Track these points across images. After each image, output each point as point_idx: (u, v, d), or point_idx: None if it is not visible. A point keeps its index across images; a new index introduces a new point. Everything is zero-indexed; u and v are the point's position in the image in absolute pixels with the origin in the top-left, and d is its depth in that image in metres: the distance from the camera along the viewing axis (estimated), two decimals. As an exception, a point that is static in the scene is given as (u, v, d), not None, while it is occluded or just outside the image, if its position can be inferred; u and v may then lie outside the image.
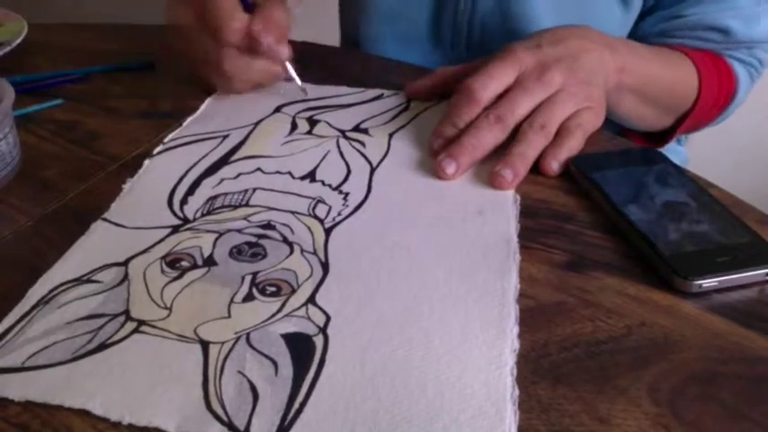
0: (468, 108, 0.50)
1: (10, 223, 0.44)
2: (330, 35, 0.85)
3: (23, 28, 0.67)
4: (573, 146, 0.49)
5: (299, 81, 0.58)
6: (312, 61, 0.65)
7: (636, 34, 0.68)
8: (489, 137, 0.49)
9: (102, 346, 0.34)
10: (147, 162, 0.50)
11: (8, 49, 0.64)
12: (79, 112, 0.58)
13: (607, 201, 0.44)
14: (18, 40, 0.65)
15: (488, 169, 0.48)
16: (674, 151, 0.78)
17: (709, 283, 0.38)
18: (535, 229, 0.44)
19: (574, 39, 0.53)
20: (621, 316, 0.37)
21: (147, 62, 0.66)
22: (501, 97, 0.50)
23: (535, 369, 0.34)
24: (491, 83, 0.50)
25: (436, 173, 0.48)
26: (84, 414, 0.32)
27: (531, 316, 0.37)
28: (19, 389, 0.32)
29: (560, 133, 0.49)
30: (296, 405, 0.31)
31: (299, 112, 0.56)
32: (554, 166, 0.49)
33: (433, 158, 0.49)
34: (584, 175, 0.47)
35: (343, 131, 0.54)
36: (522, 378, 0.34)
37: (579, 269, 0.41)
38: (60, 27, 0.75)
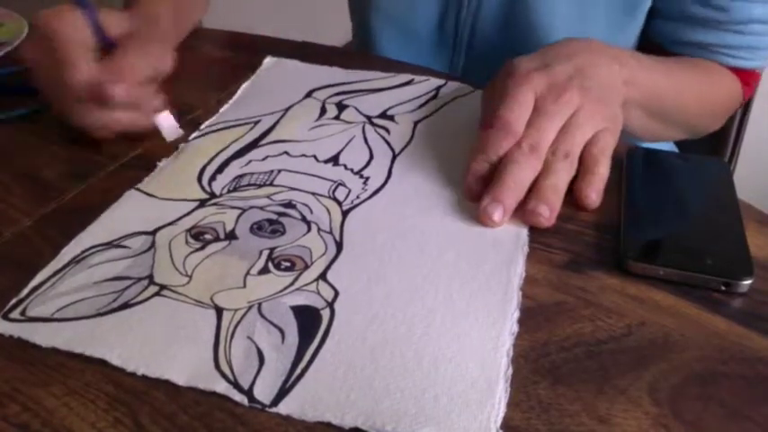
0: (506, 142, 0.46)
1: (10, 223, 0.44)
2: (330, 35, 0.85)
3: (23, 28, 0.67)
4: (604, 172, 0.47)
5: (173, 133, 0.53)
6: (312, 61, 0.65)
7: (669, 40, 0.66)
8: (529, 171, 0.45)
9: (125, 306, 0.37)
10: (182, 145, 0.52)
11: (8, 48, 0.64)
12: (79, 112, 0.58)
13: (628, 183, 0.45)
14: (18, 41, 0.65)
15: None
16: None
17: (652, 268, 0.39)
18: (535, 229, 0.44)
19: (581, 54, 0.51)
20: (621, 316, 0.37)
21: None
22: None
23: (535, 369, 0.34)
24: (522, 113, 0.47)
25: (481, 221, 0.44)
26: (84, 414, 0.32)
27: (531, 316, 0.37)
28: (46, 337, 0.35)
29: (587, 162, 0.47)
30: (298, 371, 0.33)
31: (329, 97, 0.58)
32: (593, 197, 0.46)
33: (471, 199, 0.46)
34: (630, 162, 0.48)
35: (369, 117, 0.55)
36: (522, 378, 0.34)
37: (579, 269, 0.41)
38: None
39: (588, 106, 0.48)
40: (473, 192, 0.46)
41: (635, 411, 0.32)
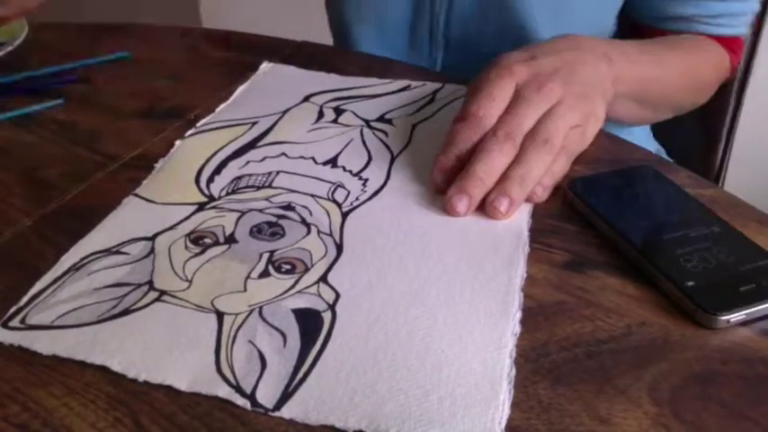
0: (475, 135, 0.46)
1: (10, 223, 0.44)
2: (330, 35, 0.85)
3: (23, 28, 0.67)
4: (559, 170, 0.47)
5: None
6: (312, 61, 0.65)
7: (658, 17, 0.67)
8: (501, 158, 0.45)
9: (126, 312, 0.37)
10: (178, 143, 0.52)
11: (8, 49, 0.64)
12: (79, 112, 0.58)
13: (613, 229, 0.42)
14: (18, 41, 0.65)
15: None
16: (647, 141, 0.77)
17: (737, 317, 0.36)
18: (535, 229, 0.44)
19: (569, 51, 0.51)
20: (621, 316, 0.37)
21: (124, 55, 0.68)
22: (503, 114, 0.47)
23: (535, 369, 0.34)
24: (493, 106, 0.46)
25: (446, 210, 0.44)
26: (84, 414, 0.32)
27: (531, 316, 0.37)
28: (47, 344, 0.35)
29: None
30: (300, 375, 0.33)
31: (326, 102, 0.58)
32: (539, 191, 0.45)
33: (438, 192, 0.46)
34: (584, 201, 0.44)
35: (367, 121, 0.55)
36: (522, 378, 0.34)
37: (579, 269, 0.41)
38: (60, 27, 0.75)
39: (569, 100, 0.47)
40: (437, 185, 0.46)
41: (635, 411, 0.32)
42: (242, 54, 0.67)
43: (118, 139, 0.53)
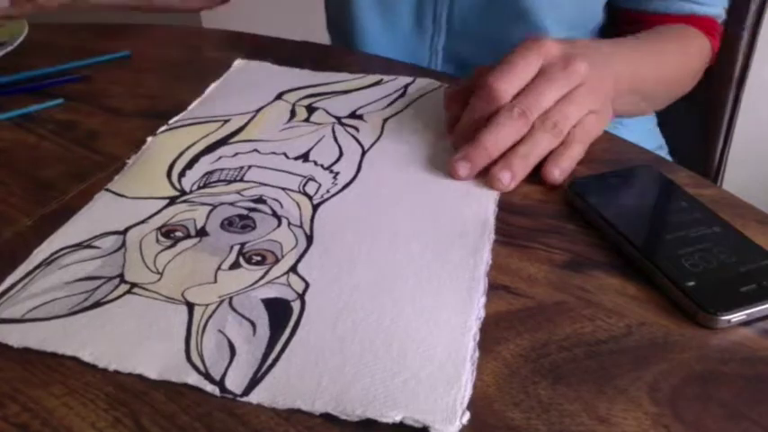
0: (487, 107, 0.48)
1: (10, 223, 0.44)
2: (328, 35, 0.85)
3: (23, 28, 0.67)
4: (576, 155, 0.48)
5: None
6: (312, 61, 0.65)
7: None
8: (510, 133, 0.46)
9: (97, 305, 0.37)
10: (150, 139, 0.52)
11: (8, 48, 0.64)
12: (79, 112, 0.58)
13: (613, 229, 0.42)
14: (18, 41, 0.65)
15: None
16: (650, 136, 0.79)
17: (737, 317, 0.36)
18: (535, 229, 0.44)
19: (591, 44, 0.53)
20: (621, 316, 0.37)
21: (125, 55, 0.68)
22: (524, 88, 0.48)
23: (535, 369, 0.34)
24: (514, 79, 0.48)
25: (449, 173, 0.47)
26: (84, 414, 0.32)
27: (531, 316, 0.37)
28: (18, 338, 0.35)
29: (567, 139, 0.48)
30: (269, 361, 0.34)
31: (299, 100, 0.58)
32: (556, 174, 0.47)
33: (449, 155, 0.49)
34: (584, 201, 0.45)
35: (338, 118, 0.55)
36: (522, 378, 0.34)
37: (579, 269, 0.41)
38: (60, 27, 0.75)
39: (591, 83, 0.49)
40: (454, 146, 0.49)
41: (635, 411, 0.32)
42: (242, 54, 0.67)
43: (118, 139, 0.53)
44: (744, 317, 0.36)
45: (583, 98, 0.48)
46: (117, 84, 0.63)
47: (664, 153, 0.78)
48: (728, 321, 0.36)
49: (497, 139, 0.46)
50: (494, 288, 0.39)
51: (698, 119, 0.83)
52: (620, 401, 0.33)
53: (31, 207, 0.46)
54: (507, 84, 0.47)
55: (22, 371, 0.34)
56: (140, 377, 0.34)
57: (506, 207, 0.46)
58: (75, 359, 0.34)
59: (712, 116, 0.83)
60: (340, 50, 0.77)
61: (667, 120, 0.80)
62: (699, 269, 0.39)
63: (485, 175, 0.47)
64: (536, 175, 0.49)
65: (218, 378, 0.33)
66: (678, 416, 0.32)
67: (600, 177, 0.47)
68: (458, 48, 0.72)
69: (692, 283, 0.38)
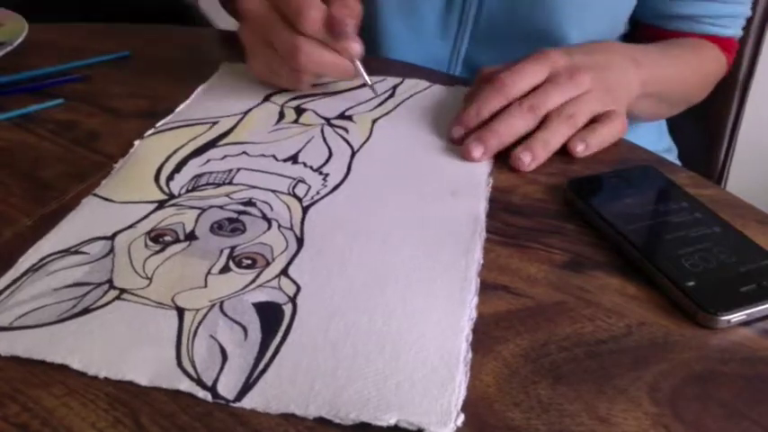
0: (496, 100, 0.51)
1: (10, 223, 0.44)
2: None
3: (23, 28, 0.67)
4: (605, 135, 0.51)
5: (367, 78, 0.56)
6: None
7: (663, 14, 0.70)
8: (521, 123, 0.49)
9: (86, 311, 0.37)
10: (137, 143, 0.52)
11: (8, 48, 0.64)
12: (79, 112, 0.58)
13: (612, 229, 0.42)
14: (18, 41, 0.65)
15: (457, 167, 0.50)
16: (660, 137, 0.80)
17: (737, 317, 0.36)
18: (535, 229, 0.44)
19: (602, 52, 0.55)
20: (621, 316, 0.37)
21: (125, 55, 0.68)
22: (531, 92, 0.51)
23: (535, 369, 0.34)
24: (523, 79, 0.51)
25: (462, 155, 0.49)
26: (84, 414, 0.32)
27: (531, 316, 0.37)
28: (6, 345, 0.35)
29: (593, 120, 0.51)
30: (261, 366, 0.34)
31: (287, 101, 0.58)
32: (579, 147, 0.50)
33: (455, 144, 0.51)
34: (583, 201, 0.45)
35: (327, 119, 0.55)
36: (522, 378, 0.34)
37: (579, 269, 0.41)
38: (60, 27, 0.75)
39: (596, 92, 0.51)
40: (454, 138, 0.51)
41: (635, 411, 0.32)
42: (242, 54, 0.67)
43: (118, 139, 0.53)
44: (744, 317, 0.36)
45: (590, 101, 0.51)
46: (117, 84, 0.63)
47: (672, 156, 0.79)
48: (728, 321, 0.36)
49: (509, 126, 0.49)
50: (494, 288, 0.39)
51: (702, 122, 0.84)
52: (620, 401, 0.33)
53: (31, 207, 0.46)
54: (518, 80, 0.51)
55: (22, 371, 0.34)
56: (140, 377, 0.34)
57: (506, 207, 0.46)
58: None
59: (716, 119, 0.84)
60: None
61: (672, 123, 0.80)
62: (699, 269, 0.39)
63: (475, 174, 0.49)
64: (536, 174, 0.49)
65: (209, 384, 0.33)
66: (678, 416, 0.32)
67: (598, 177, 0.47)
68: (478, 54, 0.72)
69: (691, 283, 0.38)
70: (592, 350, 0.35)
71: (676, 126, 0.81)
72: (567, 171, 0.49)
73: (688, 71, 0.67)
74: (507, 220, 0.45)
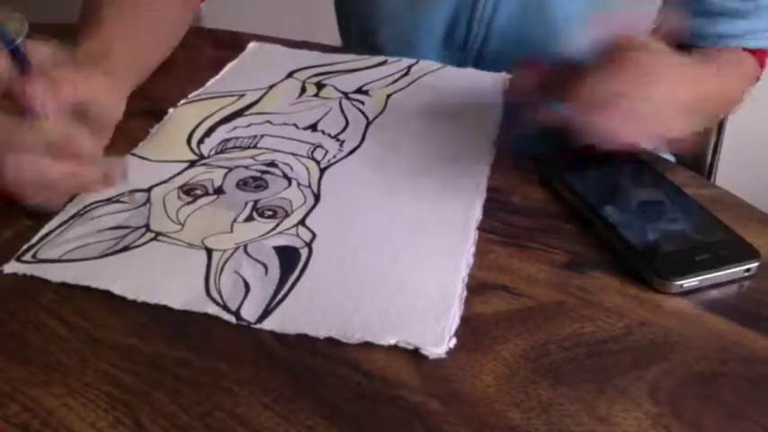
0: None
1: (10, 223, 0.44)
2: (330, 35, 0.85)
3: (23, 28, 0.67)
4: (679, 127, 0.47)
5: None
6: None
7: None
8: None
9: (125, 249, 0.42)
10: (171, 110, 0.56)
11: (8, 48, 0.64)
12: (79, 112, 0.58)
13: (582, 201, 0.44)
14: (18, 41, 0.65)
15: (464, 138, 0.52)
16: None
17: (689, 282, 0.39)
18: (535, 228, 0.44)
19: (659, 85, 0.46)
20: (621, 316, 0.37)
21: None
22: None
23: (535, 369, 0.34)
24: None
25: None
26: (84, 414, 0.32)
27: (531, 316, 0.37)
28: (56, 274, 0.39)
29: None
30: (279, 296, 0.38)
31: (308, 78, 0.61)
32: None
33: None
34: (556, 175, 0.47)
35: (345, 93, 0.59)
36: (522, 378, 0.34)
37: (579, 269, 0.41)
38: (60, 27, 0.75)
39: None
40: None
41: (635, 411, 0.32)
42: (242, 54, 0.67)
43: (118, 139, 0.53)
44: (696, 283, 0.38)
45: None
46: (117, 84, 0.63)
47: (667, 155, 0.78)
48: (681, 286, 0.38)
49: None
50: (493, 288, 0.39)
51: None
52: (620, 401, 0.33)
53: (32, 207, 0.46)
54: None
55: (23, 371, 0.34)
56: (140, 377, 0.34)
57: (506, 207, 0.46)
58: (75, 356, 0.35)
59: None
60: (338, 50, 0.77)
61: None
62: (660, 239, 0.41)
63: (480, 145, 0.51)
64: (536, 174, 0.49)
65: (234, 309, 0.37)
66: (678, 416, 0.32)
67: (570, 153, 0.48)
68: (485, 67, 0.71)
69: (650, 251, 0.40)
70: (592, 350, 0.35)
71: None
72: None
73: (729, 86, 0.65)
74: (507, 220, 0.45)
